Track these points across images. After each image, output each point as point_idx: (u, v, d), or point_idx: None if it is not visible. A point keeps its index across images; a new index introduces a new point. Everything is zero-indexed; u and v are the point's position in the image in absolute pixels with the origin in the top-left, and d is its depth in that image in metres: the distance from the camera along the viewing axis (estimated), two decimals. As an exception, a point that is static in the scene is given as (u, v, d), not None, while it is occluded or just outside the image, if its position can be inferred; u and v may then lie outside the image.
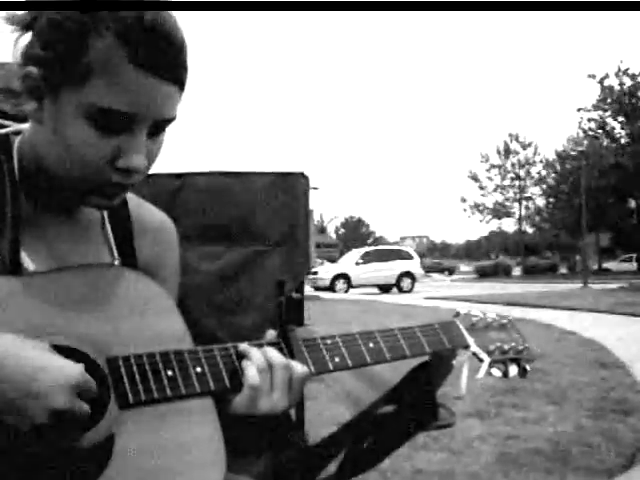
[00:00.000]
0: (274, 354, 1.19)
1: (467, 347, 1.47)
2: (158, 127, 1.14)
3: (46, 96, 1.09)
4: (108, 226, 1.30)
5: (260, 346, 1.21)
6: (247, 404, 1.15)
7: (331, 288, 30.11)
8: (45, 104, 1.10)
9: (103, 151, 1.09)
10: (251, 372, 1.15)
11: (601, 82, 47.97)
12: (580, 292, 24.67)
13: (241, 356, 1.18)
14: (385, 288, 30.99)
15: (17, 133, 1.23)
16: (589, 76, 48.32)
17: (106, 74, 1.04)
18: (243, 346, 1.19)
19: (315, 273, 30.59)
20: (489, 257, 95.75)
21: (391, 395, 1.52)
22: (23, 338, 0.99)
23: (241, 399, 1.15)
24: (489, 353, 1.49)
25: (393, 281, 30.85)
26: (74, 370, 0.98)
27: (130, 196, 1.34)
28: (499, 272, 53.78)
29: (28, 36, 1.11)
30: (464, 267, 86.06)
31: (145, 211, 1.38)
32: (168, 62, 1.07)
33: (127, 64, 1.04)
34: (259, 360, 1.17)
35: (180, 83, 1.11)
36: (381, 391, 1.53)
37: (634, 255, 52.67)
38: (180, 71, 1.10)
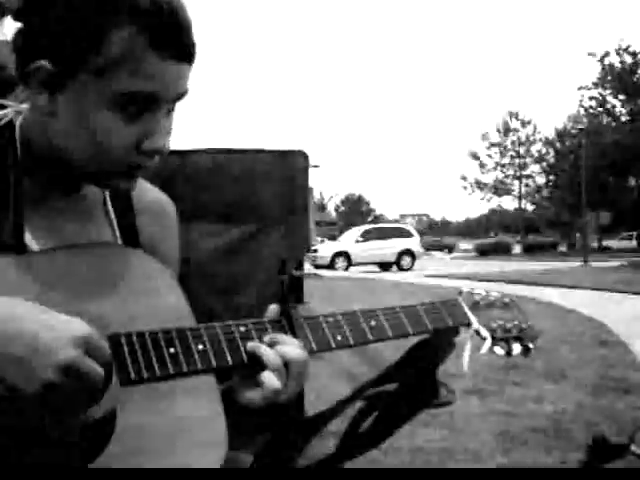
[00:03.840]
0: (289, 349, 1.17)
1: (469, 325, 1.47)
2: (172, 104, 1.18)
3: (61, 89, 1.10)
4: (110, 206, 1.30)
5: (262, 326, 1.20)
6: (267, 402, 1.15)
7: (331, 266, 30.17)
8: (59, 97, 1.10)
9: (129, 137, 1.12)
10: (269, 377, 1.14)
11: (601, 60, 47.77)
12: (580, 270, 24.76)
13: (251, 353, 1.16)
14: (385, 266, 31.04)
15: (17, 112, 1.21)
16: (589, 54, 48.11)
17: (128, 63, 1.07)
18: (252, 345, 1.17)
19: (315, 251, 30.57)
20: (489, 235, 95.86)
21: (391, 373, 1.52)
22: (26, 301, 0.98)
23: (260, 398, 1.15)
24: (492, 331, 1.48)
25: (393, 259, 30.91)
26: (81, 326, 0.97)
27: None
28: (499, 250, 53.76)
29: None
30: (464, 245, 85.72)
31: (144, 190, 1.37)
32: (183, 44, 1.12)
33: (149, 51, 1.08)
34: (275, 362, 1.15)
35: (193, 61, 1.16)
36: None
37: (634, 233, 52.72)
38: (192, 50, 1.15)
